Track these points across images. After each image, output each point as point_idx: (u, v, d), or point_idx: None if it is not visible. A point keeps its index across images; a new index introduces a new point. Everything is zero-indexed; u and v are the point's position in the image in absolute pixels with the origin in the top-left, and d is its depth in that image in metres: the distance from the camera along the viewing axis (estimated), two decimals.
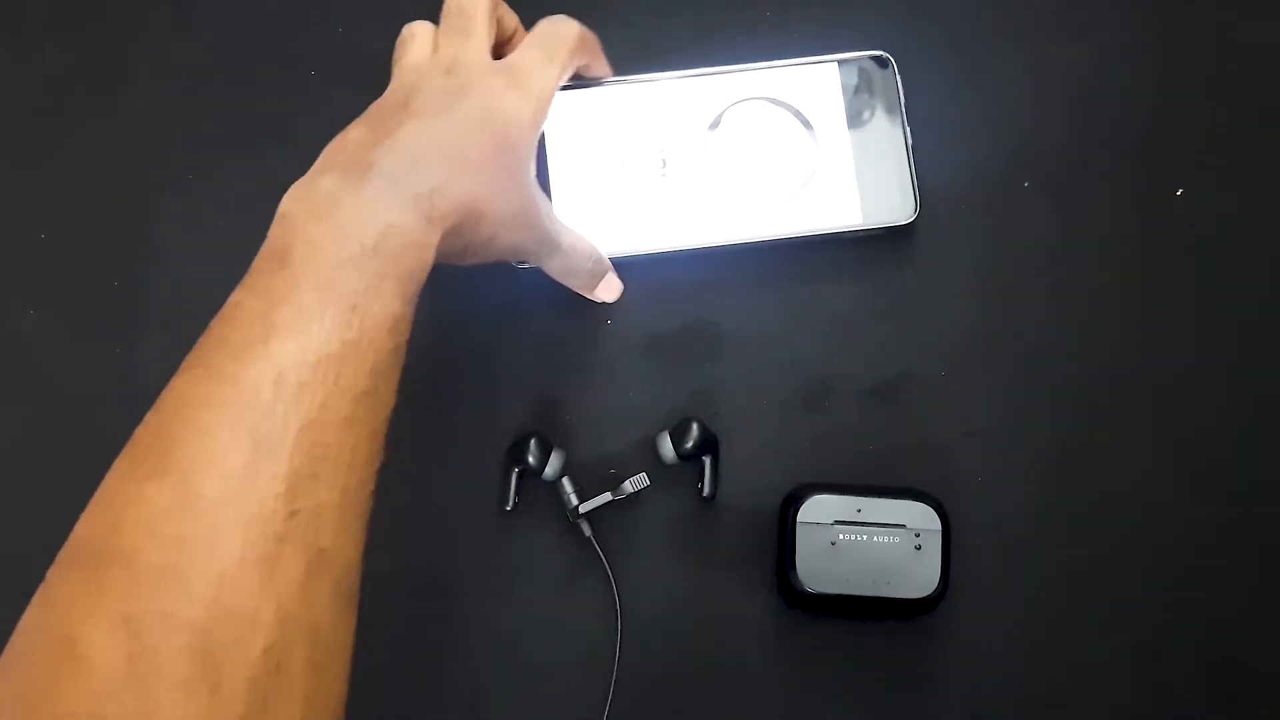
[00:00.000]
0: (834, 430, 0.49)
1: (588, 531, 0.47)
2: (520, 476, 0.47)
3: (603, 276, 0.47)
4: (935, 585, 0.44)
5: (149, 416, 0.32)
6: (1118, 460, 0.49)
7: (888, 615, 0.46)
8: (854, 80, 0.49)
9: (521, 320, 0.49)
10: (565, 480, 0.47)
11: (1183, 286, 0.50)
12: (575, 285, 0.46)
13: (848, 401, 0.49)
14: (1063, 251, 0.50)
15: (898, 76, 0.49)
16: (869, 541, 0.45)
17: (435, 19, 0.42)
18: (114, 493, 0.31)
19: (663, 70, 0.49)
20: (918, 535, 0.45)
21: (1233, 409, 0.49)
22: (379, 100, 0.39)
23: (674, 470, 0.48)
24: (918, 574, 0.45)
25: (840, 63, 0.49)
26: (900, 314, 0.50)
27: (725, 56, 0.49)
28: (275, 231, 0.34)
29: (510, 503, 0.47)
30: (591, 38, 0.45)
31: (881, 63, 0.49)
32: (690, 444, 0.47)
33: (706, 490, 0.47)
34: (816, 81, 0.49)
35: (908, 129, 0.49)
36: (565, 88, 0.47)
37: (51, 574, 0.30)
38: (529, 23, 0.43)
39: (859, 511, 0.45)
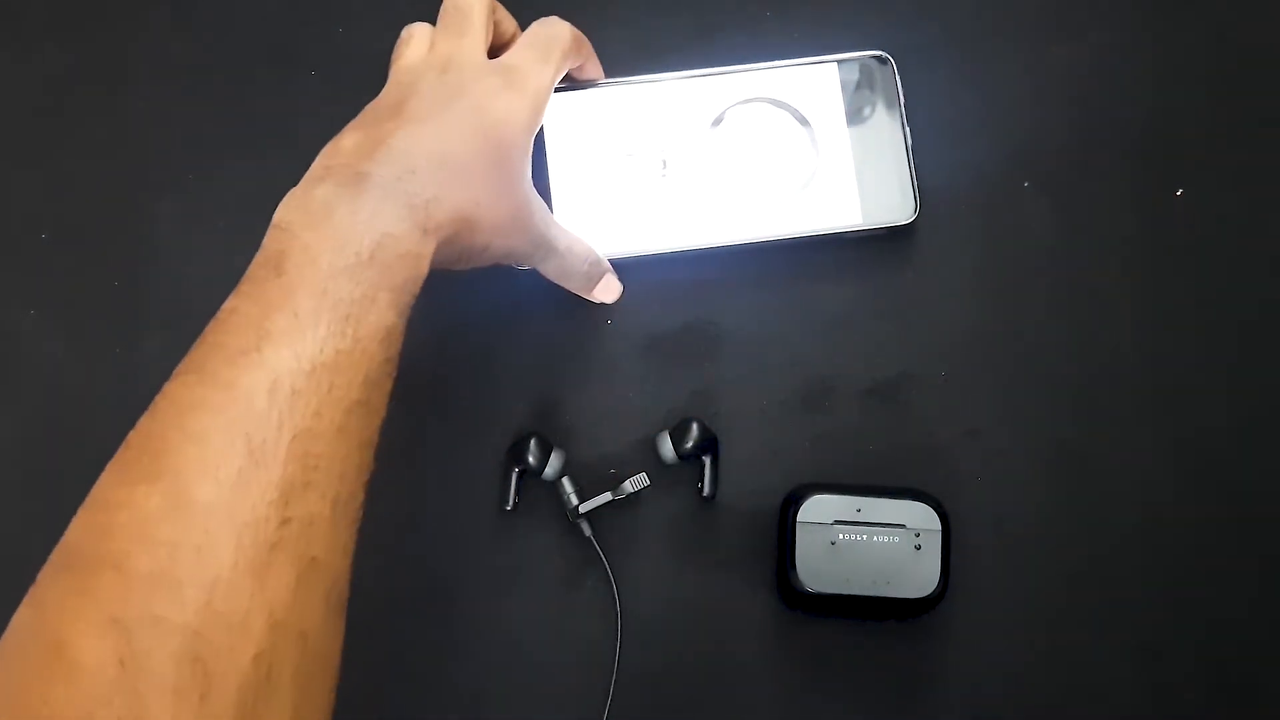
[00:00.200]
0: (834, 430, 0.49)
1: (588, 531, 0.47)
2: (520, 476, 0.47)
3: (601, 278, 0.47)
4: (935, 585, 0.44)
5: (141, 421, 0.32)
6: (1118, 460, 0.49)
7: (888, 615, 0.46)
8: (854, 80, 0.49)
9: (521, 321, 0.49)
10: (565, 480, 0.47)
11: (1183, 286, 0.50)
12: (573, 287, 0.46)
13: (848, 401, 0.49)
14: (1063, 251, 0.50)
15: (897, 76, 0.49)
16: (869, 541, 0.45)
17: (435, 19, 0.42)
18: (105, 496, 0.30)
19: (663, 70, 0.49)
20: (918, 535, 0.45)
21: (1233, 409, 0.49)
22: (374, 103, 0.39)
23: (674, 470, 0.48)
24: (918, 574, 0.44)
25: (840, 63, 0.49)
26: (900, 314, 0.50)
27: (725, 56, 0.49)
28: (270, 239, 0.34)
29: (510, 503, 0.47)
30: (582, 38, 0.45)
31: (881, 62, 0.49)
32: (690, 444, 0.47)
33: (706, 490, 0.47)
34: (816, 81, 0.49)
35: (908, 129, 0.49)
36: (563, 89, 0.47)
37: (42, 577, 0.30)
38: (526, 25, 0.43)
39: (859, 511, 0.45)
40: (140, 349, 0.49)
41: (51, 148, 0.51)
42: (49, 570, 0.30)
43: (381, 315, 0.34)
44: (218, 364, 0.31)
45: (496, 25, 0.42)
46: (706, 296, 0.49)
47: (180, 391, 0.32)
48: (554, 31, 0.42)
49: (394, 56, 0.41)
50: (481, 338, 0.49)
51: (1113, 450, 0.49)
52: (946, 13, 0.52)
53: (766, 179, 0.48)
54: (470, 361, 0.49)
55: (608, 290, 0.48)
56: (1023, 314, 0.50)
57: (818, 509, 0.45)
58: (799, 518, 0.45)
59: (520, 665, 0.47)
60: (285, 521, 0.30)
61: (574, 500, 0.46)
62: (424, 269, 0.36)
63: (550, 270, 0.44)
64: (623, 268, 0.48)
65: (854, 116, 0.49)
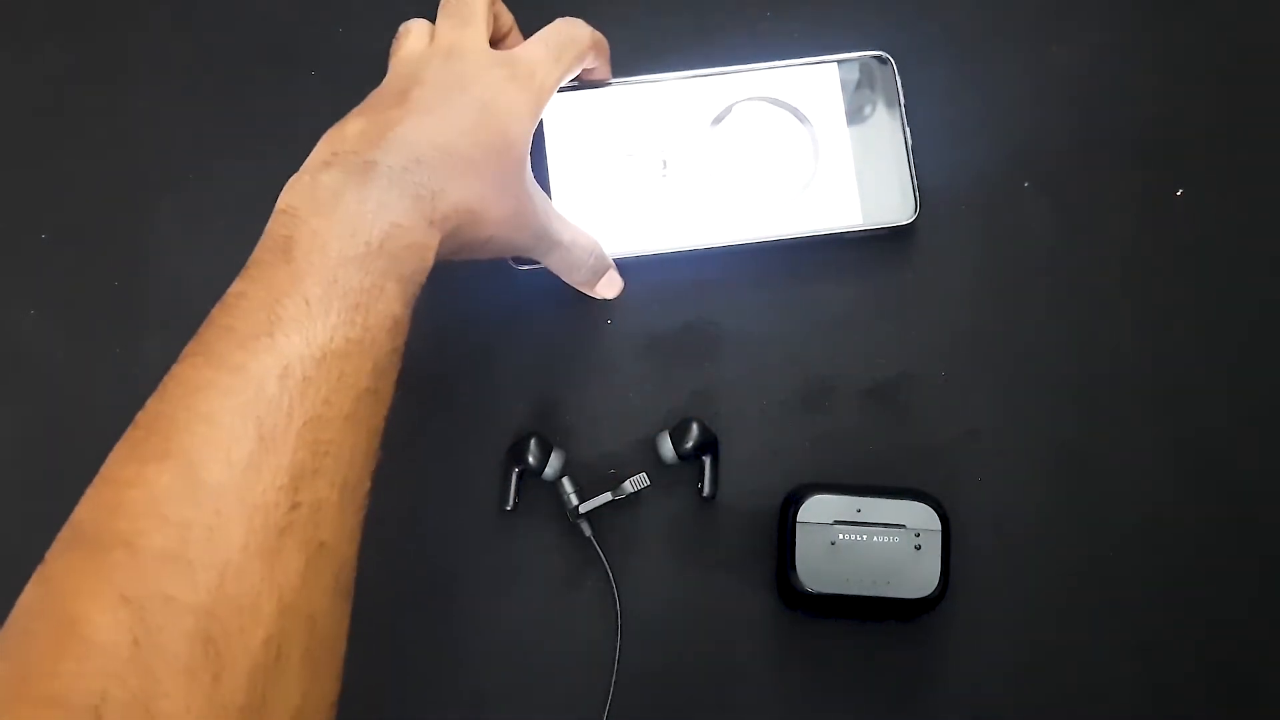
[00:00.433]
0: (834, 430, 0.49)
1: (588, 531, 0.47)
2: (520, 476, 0.47)
3: (604, 273, 0.47)
4: (935, 585, 0.44)
5: (150, 402, 0.31)
6: (1118, 460, 0.49)
7: (888, 615, 0.46)
8: (854, 80, 0.49)
9: (521, 320, 0.49)
10: (565, 480, 0.47)
11: (1183, 286, 0.50)
12: (576, 281, 0.46)
13: (848, 401, 0.49)
14: (1063, 251, 0.50)
15: (897, 76, 0.49)
16: (869, 541, 0.45)
17: (434, 18, 0.42)
18: (115, 474, 0.30)
19: (663, 70, 0.49)
20: (917, 535, 0.45)
21: (1233, 409, 0.49)
22: (378, 90, 0.39)
23: (674, 470, 0.48)
24: (918, 574, 0.44)
25: (840, 63, 0.49)
26: (900, 314, 0.50)
27: (725, 56, 0.49)
28: (276, 223, 0.34)
29: (510, 503, 0.47)
30: (603, 43, 0.45)
31: (881, 62, 0.49)
32: (690, 444, 0.47)
33: (706, 490, 0.47)
34: (816, 82, 0.49)
35: (908, 129, 0.49)
36: (565, 89, 0.47)
37: (50, 554, 0.30)
38: (528, 23, 0.43)
39: (859, 511, 0.45)
40: (140, 349, 0.49)
41: (51, 148, 0.51)
42: (58, 547, 0.30)
43: (389, 305, 0.34)
44: (228, 347, 0.31)
45: (495, 18, 0.42)
46: (706, 296, 0.49)
47: (189, 373, 0.32)
48: (574, 33, 0.42)
49: (393, 50, 0.41)
50: (481, 337, 0.49)
51: (1113, 450, 0.49)
52: (946, 13, 0.52)
53: (767, 179, 0.48)
54: (470, 361, 0.49)
55: (610, 285, 0.47)
56: (1023, 314, 0.50)
57: (818, 509, 0.45)
58: (799, 518, 0.45)
59: (520, 665, 0.47)
60: (295, 506, 0.30)
61: (574, 500, 0.46)
62: (429, 260, 0.36)
63: (553, 263, 0.44)
64: (623, 268, 0.48)
65: (854, 116, 0.49)
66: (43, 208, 0.50)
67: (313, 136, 0.37)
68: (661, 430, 0.47)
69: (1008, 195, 0.50)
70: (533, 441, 0.47)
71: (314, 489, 0.31)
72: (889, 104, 0.49)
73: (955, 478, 0.48)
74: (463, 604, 0.48)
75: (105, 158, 0.51)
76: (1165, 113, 0.51)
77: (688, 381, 0.49)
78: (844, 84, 0.49)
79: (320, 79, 0.51)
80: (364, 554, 0.34)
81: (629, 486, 0.46)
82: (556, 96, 0.47)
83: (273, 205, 0.35)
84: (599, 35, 0.44)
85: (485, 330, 0.49)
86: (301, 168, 0.36)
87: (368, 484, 0.34)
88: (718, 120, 0.49)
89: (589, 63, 0.44)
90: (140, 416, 0.31)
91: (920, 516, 0.45)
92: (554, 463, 0.47)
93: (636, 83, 0.49)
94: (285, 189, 0.35)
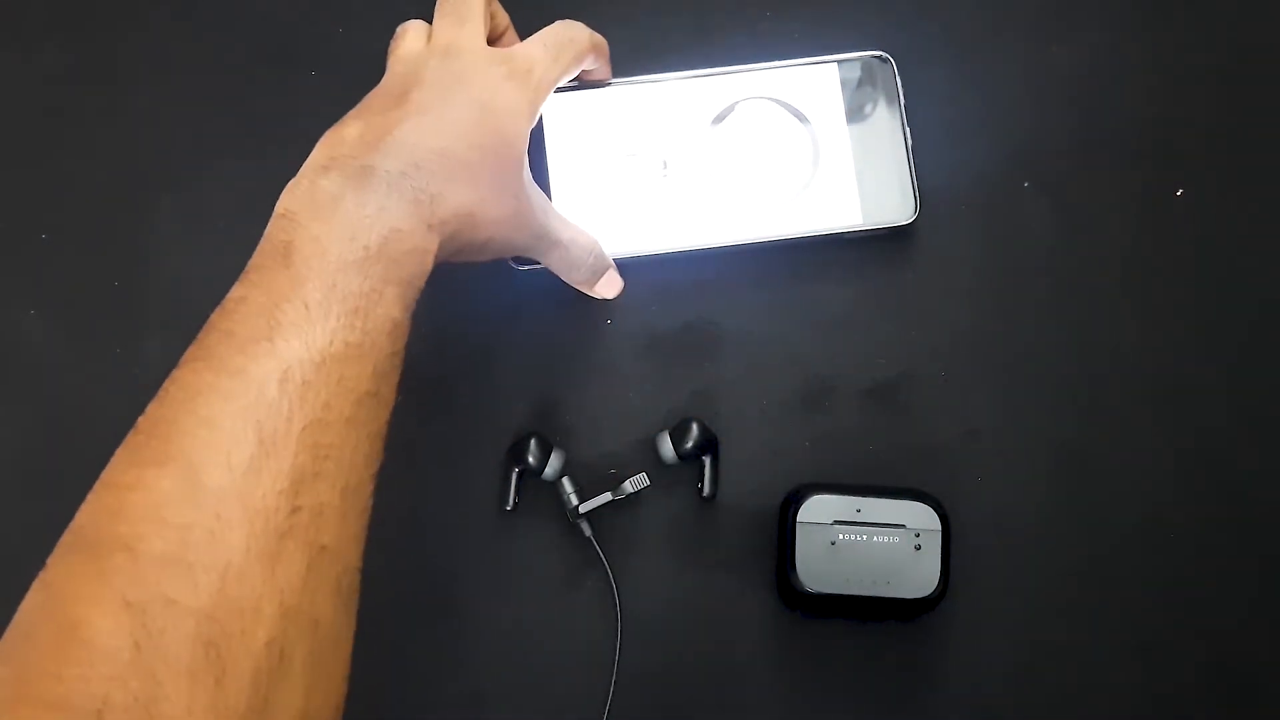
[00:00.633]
0: (834, 430, 0.49)
1: (588, 531, 0.47)
2: (520, 476, 0.47)
3: (604, 272, 0.47)
4: (935, 585, 0.44)
5: (151, 406, 0.32)
6: (1118, 460, 0.49)
7: (888, 615, 0.46)
8: (854, 80, 0.49)
9: (521, 320, 0.49)
10: (565, 480, 0.47)
11: (1183, 286, 0.50)
12: (575, 280, 0.46)
13: (848, 401, 0.49)
14: (1063, 251, 0.50)
15: (897, 77, 0.49)
16: (869, 541, 0.45)
17: (432, 19, 0.42)
18: (117, 479, 0.30)
19: (663, 70, 0.49)
20: (917, 535, 0.45)
21: (1233, 409, 0.49)
22: (375, 90, 0.39)
23: (674, 470, 0.48)
24: (918, 574, 0.44)
25: (840, 63, 0.49)
26: (900, 314, 0.50)
27: (725, 56, 0.49)
28: (275, 227, 0.34)
29: (510, 503, 0.47)
30: (603, 44, 0.45)
31: (881, 62, 0.49)
32: (690, 444, 0.47)
33: (706, 490, 0.47)
34: (816, 81, 0.49)
35: (908, 129, 0.49)
36: (565, 89, 0.47)
37: (53, 559, 0.30)
38: (528, 23, 0.43)
39: (859, 511, 0.45)
40: (140, 349, 0.49)
41: (51, 148, 0.51)
42: (60, 551, 0.30)
43: (389, 309, 0.34)
44: (228, 351, 0.31)
45: (491, 17, 0.42)
46: (706, 296, 0.49)
47: (190, 377, 0.32)
48: (572, 34, 0.43)
49: (390, 49, 0.41)
50: (481, 338, 0.49)
51: (1113, 450, 0.49)
52: (946, 13, 0.52)
53: (767, 179, 0.48)
54: (470, 361, 0.49)
55: (610, 285, 0.47)
56: (1023, 314, 0.50)
57: (818, 509, 0.45)
58: (799, 518, 0.45)
59: (520, 665, 0.47)
60: (295, 510, 0.30)
61: (574, 500, 0.46)
62: (429, 264, 0.36)
63: (553, 263, 0.44)
64: (623, 268, 0.48)
65: (854, 116, 0.49)
66: (43, 208, 0.50)
67: (312, 136, 0.37)
68: (661, 430, 0.47)
69: (1008, 195, 0.50)
70: (533, 441, 0.47)
71: (315, 492, 0.31)
72: (889, 104, 0.49)
73: (955, 478, 0.48)
74: (463, 604, 0.48)
75: (105, 158, 0.51)
76: (1165, 113, 0.51)
77: (688, 381, 0.49)
78: (844, 84, 0.49)
79: (320, 79, 0.51)
80: (365, 554, 0.34)
81: (629, 486, 0.46)
82: (557, 97, 0.48)
83: (273, 206, 0.35)
84: (598, 37, 0.44)
85: (485, 330, 0.49)
86: (300, 172, 0.36)
87: (370, 487, 0.34)
88: (718, 120, 0.49)
89: (587, 64, 0.45)
90: (141, 421, 0.31)
91: (920, 516, 0.45)
92: (554, 463, 0.47)
93: (637, 83, 0.49)
94: (284, 193, 0.35)
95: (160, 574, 0.28)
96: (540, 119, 0.48)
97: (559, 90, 0.45)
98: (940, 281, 0.50)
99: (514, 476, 0.47)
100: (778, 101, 0.49)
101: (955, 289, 0.50)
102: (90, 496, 0.30)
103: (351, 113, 0.38)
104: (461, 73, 0.39)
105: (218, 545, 0.29)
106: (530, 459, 0.46)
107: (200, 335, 0.33)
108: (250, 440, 0.30)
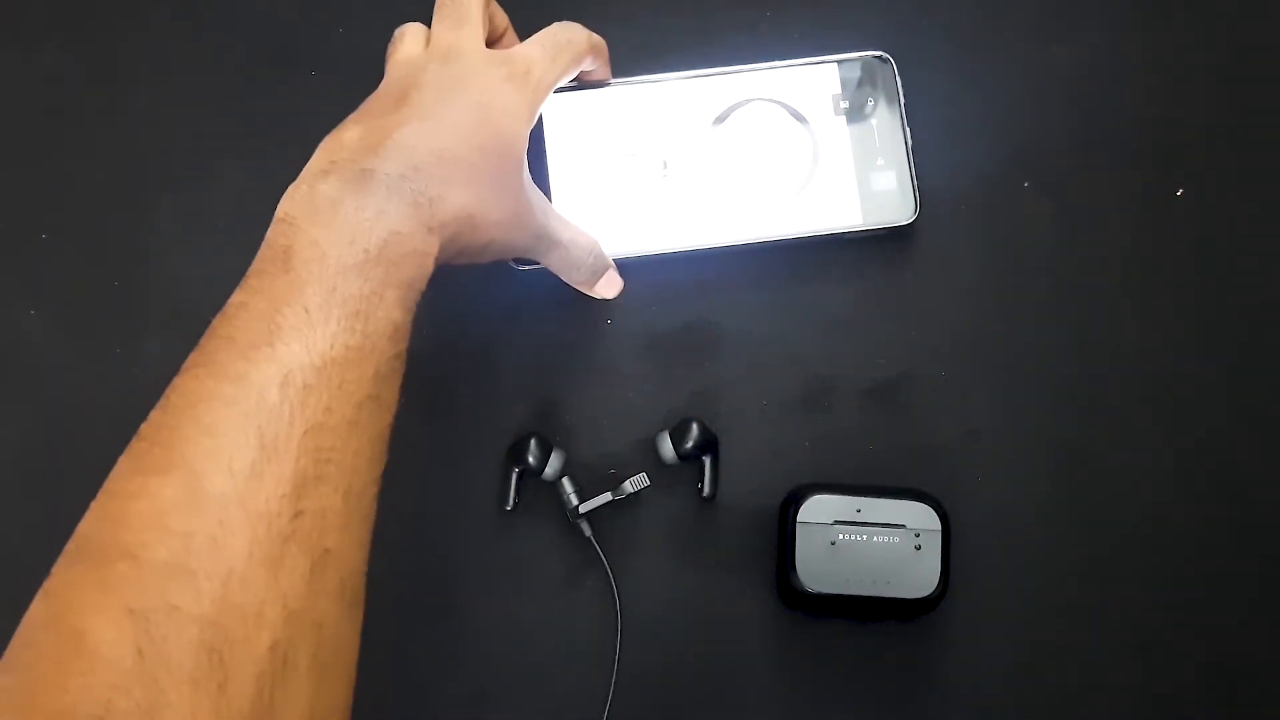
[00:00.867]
0: (834, 430, 0.49)
1: (588, 531, 0.47)
2: (520, 476, 0.47)
3: (604, 272, 0.47)
4: (935, 585, 0.44)
5: (154, 414, 0.32)
6: (1118, 460, 0.49)
7: (888, 615, 0.46)
8: (854, 80, 0.49)
9: (521, 320, 0.49)
10: (565, 480, 0.47)
11: (1183, 286, 0.50)
12: (575, 280, 0.46)
13: (848, 401, 0.49)
14: (1063, 251, 0.50)
15: (897, 77, 0.49)
16: (869, 541, 0.45)
17: (431, 21, 0.42)
18: (120, 487, 0.31)
19: (663, 70, 0.49)
20: (917, 535, 0.45)
21: (1233, 409, 0.49)
22: (375, 94, 0.39)
23: (674, 470, 0.48)
24: (918, 574, 0.45)
25: (840, 63, 0.49)
26: (900, 314, 0.50)
27: (725, 56, 0.49)
28: (275, 232, 0.34)
29: (510, 503, 0.47)
30: (602, 45, 0.45)
31: (881, 62, 0.49)
32: (690, 444, 0.47)
33: (706, 490, 0.47)
34: (817, 82, 0.49)
35: (908, 129, 0.49)
36: (565, 89, 0.47)
37: (57, 568, 0.30)
38: (528, 24, 0.43)
39: (859, 511, 0.45)
40: (140, 349, 0.49)
41: (51, 148, 0.51)
42: (64, 561, 0.30)
43: (389, 312, 0.34)
44: (229, 358, 0.31)
45: (490, 19, 0.42)
46: (706, 296, 0.49)
47: (191, 384, 0.32)
48: (571, 36, 0.43)
49: (389, 52, 0.41)
50: (481, 338, 0.49)
51: (1113, 450, 0.49)
52: (946, 13, 0.52)
53: (767, 179, 0.48)
54: (470, 361, 0.49)
55: (610, 285, 0.47)
56: (1023, 314, 0.50)
57: (818, 509, 0.45)
58: (799, 518, 0.45)
59: (520, 665, 0.47)
60: (298, 514, 0.30)
61: (574, 500, 0.46)
62: (429, 267, 0.36)
63: (553, 263, 0.44)
64: (623, 268, 0.48)
65: (854, 117, 0.49)
66: (43, 208, 0.50)
67: (312, 137, 0.37)
68: (661, 430, 0.47)
69: (1008, 195, 0.50)
70: (533, 441, 0.47)
71: (317, 496, 0.31)
72: (889, 104, 0.49)
73: (955, 478, 0.48)
74: (463, 604, 0.48)
75: (105, 158, 0.51)
76: (1165, 113, 0.51)
77: (688, 381, 0.49)
78: (844, 84, 0.49)
79: (320, 79, 0.51)
80: (368, 557, 0.34)
81: (629, 486, 0.46)
82: (556, 97, 0.48)
83: (273, 206, 0.35)
84: (597, 38, 0.44)
85: (485, 330, 0.49)
86: (300, 176, 0.36)
87: (374, 490, 0.34)
88: (718, 120, 0.49)
89: (586, 65, 0.45)
90: (144, 428, 0.31)
91: (920, 516, 0.45)
92: (554, 463, 0.47)
93: (637, 83, 0.49)
94: (284, 197, 0.35)
95: (163, 581, 0.28)
96: (540, 119, 0.48)
97: (559, 91, 0.45)
98: (940, 281, 0.50)
99: (514, 476, 0.47)
100: (778, 102, 0.49)
101: (955, 289, 0.50)
102: (94, 505, 0.30)
103: (351, 117, 0.38)
104: (460, 75, 0.39)
105: (220, 551, 0.29)
106: (530, 459, 0.46)
107: (202, 341, 0.33)
108: (252, 445, 0.30)
